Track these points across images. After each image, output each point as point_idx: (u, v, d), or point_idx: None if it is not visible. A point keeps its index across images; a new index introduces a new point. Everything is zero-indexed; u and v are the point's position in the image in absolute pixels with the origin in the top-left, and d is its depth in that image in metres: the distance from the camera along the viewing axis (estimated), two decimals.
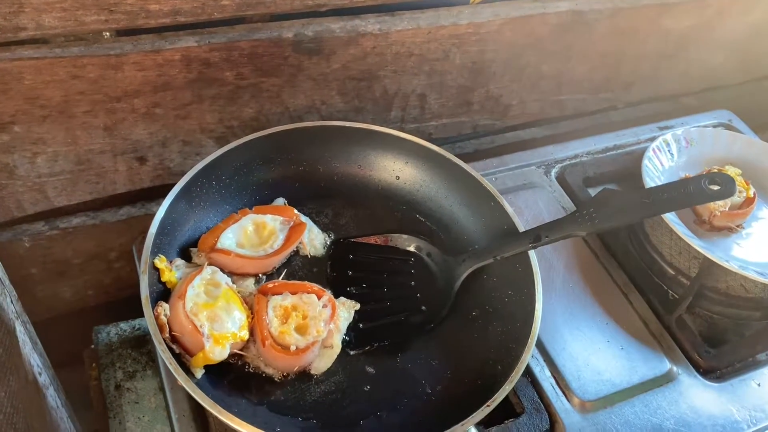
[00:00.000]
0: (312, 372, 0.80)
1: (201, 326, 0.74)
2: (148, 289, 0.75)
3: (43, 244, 1.05)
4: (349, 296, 0.86)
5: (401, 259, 0.93)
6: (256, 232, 0.88)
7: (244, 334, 0.78)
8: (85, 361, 1.03)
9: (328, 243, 0.94)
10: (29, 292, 1.10)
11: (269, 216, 0.89)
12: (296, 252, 0.91)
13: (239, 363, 0.79)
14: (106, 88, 0.92)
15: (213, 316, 0.76)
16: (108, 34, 0.91)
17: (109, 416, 0.96)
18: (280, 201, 0.94)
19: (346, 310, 0.84)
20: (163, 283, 0.79)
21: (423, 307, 0.88)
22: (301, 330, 0.79)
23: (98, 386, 0.99)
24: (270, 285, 0.83)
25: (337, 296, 0.85)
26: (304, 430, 0.75)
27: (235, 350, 0.77)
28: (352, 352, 0.83)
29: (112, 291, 1.18)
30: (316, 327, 0.79)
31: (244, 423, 0.67)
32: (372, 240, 0.94)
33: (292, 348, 0.77)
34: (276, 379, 0.78)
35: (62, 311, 1.17)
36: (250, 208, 0.90)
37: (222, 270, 0.83)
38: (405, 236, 0.94)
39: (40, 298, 1.13)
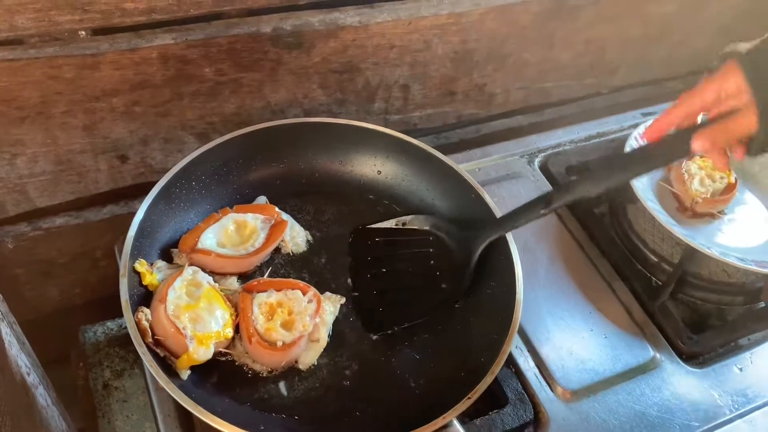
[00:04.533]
0: (300, 366, 0.81)
1: (184, 328, 0.74)
2: (129, 292, 0.75)
3: (27, 245, 1.05)
4: (368, 281, 0.88)
5: (419, 239, 0.93)
6: (237, 231, 0.89)
7: (229, 332, 0.78)
8: (72, 360, 1.03)
9: (310, 240, 0.94)
10: (16, 293, 1.10)
11: (250, 215, 0.89)
12: (278, 250, 0.91)
13: (226, 360, 0.79)
14: (83, 87, 0.92)
15: (195, 317, 0.76)
16: (83, 33, 0.90)
17: (98, 415, 0.97)
18: (262, 199, 0.94)
19: (332, 304, 0.85)
20: (145, 286, 0.79)
21: (443, 285, 0.89)
22: (287, 326, 0.80)
23: (86, 385, 0.99)
24: (254, 283, 0.83)
25: (356, 284, 0.88)
26: (289, 427, 0.76)
27: (221, 349, 0.78)
28: (374, 336, 0.84)
29: (99, 289, 1.18)
30: (302, 322, 0.79)
31: (227, 423, 0.67)
32: (391, 224, 0.94)
33: (279, 344, 0.78)
34: (263, 376, 0.79)
35: (50, 310, 1.17)
36: (231, 207, 0.90)
37: (203, 270, 0.83)
38: (422, 216, 0.95)
39: (27, 299, 1.13)
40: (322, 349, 0.82)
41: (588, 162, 1.17)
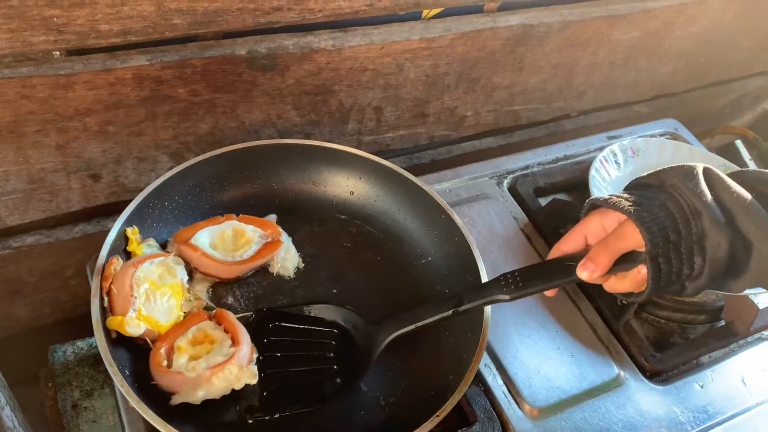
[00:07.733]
0: (171, 401, 0.76)
1: (136, 297, 0.76)
2: (99, 310, 0.75)
3: None
4: (260, 363, 0.81)
5: (323, 330, 0.88)
6: (233, 239, 0.90)
7: (163, 329, 0.79)
8: (41, 380, 1.02)
9: (300, 268, 0.94)
10: None
11: (251, 227, 0.91)
12: (266, 269, 0.92)
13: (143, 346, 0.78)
14: (57, 107, 0.92)
15: (151, 296, 0.78)
16: (58, 54, 0.90)
17: None
18: (272, 217, 0.96)
19: (239, 375, 0.77)
20: (128, 253, 0.81)
21: (338, 379, 0.84)
22: (192, 359, 0.78)
23: (54, 406, 0.98)
24: (227, 313, 0.82)
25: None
26: None
27: (146, 338, 0.78)
28: (250, 420, 0.78)
29: (69, 308, 1.18)
30: (196, 367, 0.76)
31: None
32: (298, 310, 0.90)
33: (163, 363, 0.76)
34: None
35: (18, 330, 1.16)
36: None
37: (187, 264, 0.85)
38: (332, 307, 0.89)
39: None
40: (188, 400, 0.75)
41: (554, 184, 1.20)
